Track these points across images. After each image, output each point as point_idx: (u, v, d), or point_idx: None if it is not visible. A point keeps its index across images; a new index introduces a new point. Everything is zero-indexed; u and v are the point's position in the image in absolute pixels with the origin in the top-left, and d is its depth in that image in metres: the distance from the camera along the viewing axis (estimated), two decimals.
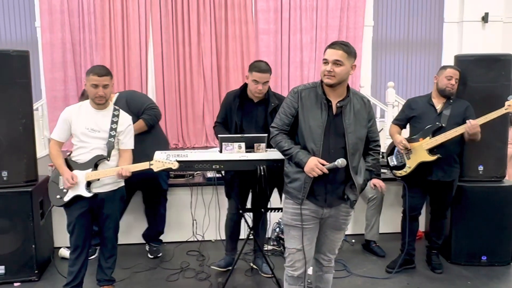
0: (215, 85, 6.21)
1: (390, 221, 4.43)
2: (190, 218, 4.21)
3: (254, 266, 3.73)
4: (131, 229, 4.18)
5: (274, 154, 2.81)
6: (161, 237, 4.17)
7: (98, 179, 2.94)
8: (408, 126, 3.68)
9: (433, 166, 3.42)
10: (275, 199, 3.27)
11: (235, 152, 2.94)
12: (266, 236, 3.85)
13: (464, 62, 3.72)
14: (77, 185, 2.90)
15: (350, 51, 2.42)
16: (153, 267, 3.81)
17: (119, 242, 3.26)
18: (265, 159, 2.91)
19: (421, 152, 3.42)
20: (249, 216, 3.37)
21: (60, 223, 3.74)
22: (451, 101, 3.48)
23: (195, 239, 4.29)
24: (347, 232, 4.04)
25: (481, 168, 3.79)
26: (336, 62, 2.38)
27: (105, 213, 3.06)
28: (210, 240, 4.34)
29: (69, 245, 3.11)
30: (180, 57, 6.13)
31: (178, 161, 2.83)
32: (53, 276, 3.57)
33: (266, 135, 2.91)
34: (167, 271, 3.74)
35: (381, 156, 4.16)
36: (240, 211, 3.30)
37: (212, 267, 3.65)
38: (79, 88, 5.95)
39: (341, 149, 2.45)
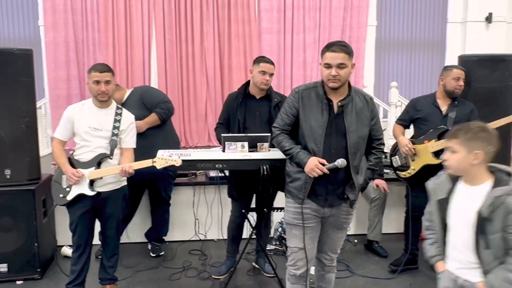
0: (217, 84, 6.20)
1: (393, 221, 4.42)
2: (192, 217, 4.21)
3: (256, 266, 3.73)
4: (134, 227, 4.18)
5: (277, 154, 2.80)
6: (163, 236, 4.17)
7: (101, 178, 2.94)
8: (412, 126, 3.66)
9: (437, 168, 3.39)
10: (278, 199, 3.27)
11: (238, 151, 2.94)
12: (268, 236, 3.85)
13: (468, 63, 3.70)
14: (81, 181, 2.90)
15: (350, 51, 2.41)
16: (155, 266, 3.82)
17: (121, 241, 3.27)
18: (268, 159, 2.90)
19: (426, 154, 3.40)
20: (251, 216, 3.37)
21: (62, 221, 3.74)
22: (456, 102, 3.45)
23: (198, 238, 4.29)
24: (349, 232, 4.04)
25: None
26: (340, 66, 2.37)
27: (108, 212, 3.06)
28: (213, 240, 4.34)
29: (71, 244, 3.11)
30: (183, 56, 6.12)
31: (181, 160, 2.83)
32: (56, 274, 3.57)
33: (269, 134, 2.90)
34: (169, 270, 3.74)
35: (384, 156, 4.17)
36: (243, 211, 3.30)
37: (213, 276, 3.59)
38: (82, 87, 5.96)
39: (343, 149, 2.45)
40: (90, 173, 2.91)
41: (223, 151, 2.96)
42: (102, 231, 3.20)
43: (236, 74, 6.19)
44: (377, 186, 4.10)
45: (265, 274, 3.62)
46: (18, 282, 3.48)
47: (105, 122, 2.98)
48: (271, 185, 2.91)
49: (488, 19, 6.70)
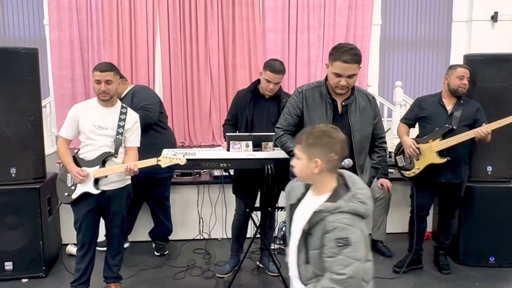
0: (222, 83, 6.20)
1: (397, 221, 4.40)
2: (196, 216, 4.21)
3: (261, 265, 3.72)
4: (138, 227, 4.19)
5: (281, 153, 2.80)
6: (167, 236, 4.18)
7: (106, 176, 2.94)
8: (417, 125, 3.65)
9: (442, 168, 3.39)
10: (282, 198, 3.26)
11: (242, 150, 2.94)
12: (273, 235, 3.85)
13: (473, 62, 3.68)
14: (86, 179, 2.91)
15: (360, 59, 2.37)
16: (159, 265, 3.82)
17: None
18: (272, 158, 2.90)
19: (431, 154, 3.39)
20: (256, 215, 3.37)
21: (67, 220, 3.76)
22: (461, 102, 3.44)
23: (202, 237, 4.30)
24: None
25: (489, 168, 3.76)
26: (350, 76, 2.36)
27: (112, 211, 3.07)
28: (217, 239, 4.34)
29: (76, 242, 3.12)
30: (187, 55, 6.13)
31: (186, 159, 2.84)
32: (61, 272, 3.58)
33: (273, 134, 2.90)
34: (173, 269, 3.75)
35: (388, 155, 4.16)
36: (247, 210, 3.30)
37: (217, 275, 3.59)
38: (86, 86, 5.98)
39: (348, 149, 2.44)
40: (94, 171, 2.91)
41: (228, 150, 2.96)
42: (106, 229, 3.20)
43: (240, 73, 6.19)
44: (382, 185, 4.09)
45: (269, 273, 3.62)
46: (23, 280, 3.50)
47: (110, 121, 2.98)
48: (275, 184, 2.91)
49: (494, 18, 6.66)
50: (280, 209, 3.24)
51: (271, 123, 3.25)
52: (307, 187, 1.83)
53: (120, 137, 2.98)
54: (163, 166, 2.83)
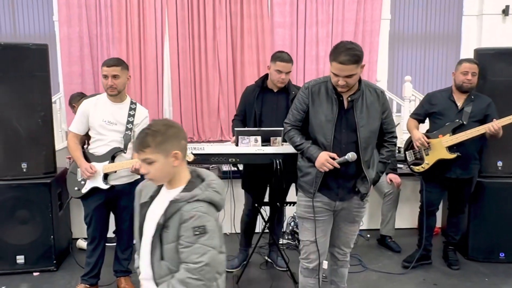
0: (230, 79, 6.20)
1: (406, 216, 4.39)
2: None
3: (269, 260, 3.74)
4: None
5: (290, 148, 2.80)
6: None
7: (115, 171, 2.97)
8: (427, 120, 3.63)
9: (452, 163, 3.37)
10: (291, 194, 3.27)
11: (251, 145, 2.94)
12: (281, 230, 3.85)
13: (484, 56, 3.65)
14: (96, 174, 2.93)
15: (359, 59, 2.33)
16: None
17: None
18: (281, 153, 2.90)
19: (441, 149, 3.37)
20: (264, 210, 3.37)
21: (78, 214, 3.79)
22: (472, 97, 3.40)
23: None
24: (362, 227, 4.01)
25: (500, 164, 3.73)
26: (348, 76, 2.35)
27: (122, 205, 3.09)
28: (225, 233, 4.35)
29: (86, 237, 3.15)
30: (195, 51, 6.13)
31: (195, 154, 2.86)
32: (71, 266, 3.63)
33: (282, 129, 2.90)
34: None
35: (397, 151, 4.14)
36: (256, 205, 3.31)
37: (226, 269, 3.61)
38: (96, 82, 6.01)
39: (353, 144, 2.44)
40: (104, 166, 2.94)
41: (236, 145, 2.97)
42: (116, 224, 3.23)
43: (248, 69, 6.19)
44: (391, 181, 4.08)
45: (277, 268, 3.63)
46: (34, 274, 3.55)
47: (120, 116, 3.00)
48: (284, 179, 2.91)
49: (505, 11, 6.57)
50: (288, 204, 3.24)
51: (279, 118, 3.25)
52: (161, 185, 1.81)
53: (130, 133, 3.00)
54: None
